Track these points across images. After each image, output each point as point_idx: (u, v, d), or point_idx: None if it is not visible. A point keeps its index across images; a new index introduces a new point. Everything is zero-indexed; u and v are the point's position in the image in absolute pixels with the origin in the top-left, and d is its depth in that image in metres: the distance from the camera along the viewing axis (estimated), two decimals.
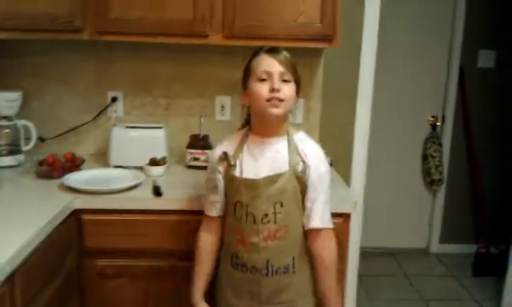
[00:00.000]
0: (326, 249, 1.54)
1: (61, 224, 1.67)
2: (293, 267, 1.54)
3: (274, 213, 1.49)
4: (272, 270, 1.52)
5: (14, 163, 2.19)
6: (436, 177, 3.75)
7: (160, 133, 2.24)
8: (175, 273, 1.86)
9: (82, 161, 2.18)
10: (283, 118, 1.52)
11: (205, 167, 2.17)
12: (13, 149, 2.23)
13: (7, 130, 2.22)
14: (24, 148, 2.25)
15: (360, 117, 2.53)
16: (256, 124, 1.56)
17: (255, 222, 1.50)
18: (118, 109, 2.45)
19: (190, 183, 2.00)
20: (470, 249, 3.81)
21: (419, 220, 3.98)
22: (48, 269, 1.59)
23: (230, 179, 1.56)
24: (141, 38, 2.06)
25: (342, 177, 2.23)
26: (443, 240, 3.96)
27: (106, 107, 2.44)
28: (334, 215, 1.79)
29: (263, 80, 1.46)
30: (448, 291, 3.39)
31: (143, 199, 1.84)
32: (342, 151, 2.51)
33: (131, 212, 1.83)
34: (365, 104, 2.51)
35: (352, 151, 2.52)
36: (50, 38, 2.08)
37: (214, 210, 1.62)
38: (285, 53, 1.49)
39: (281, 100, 1.45)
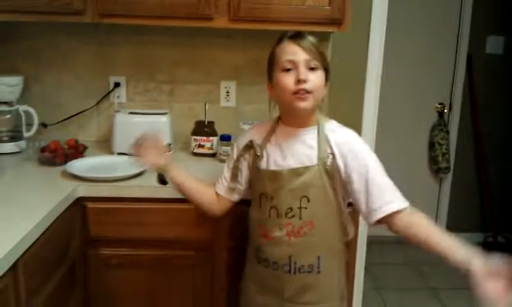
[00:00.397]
0: (419, 217, 1.35)
1: (64, 212, 1.63)
2: (318, 267, 1.45)
3: (300, 208, 1.41)
4: (295, 268, 1.45)
5: (15, 149, 2.15)
6: (443, 165, 3.71)
7: (164, 120, 2.20)
8: (180, 262, 1.83)
9: (85, 148, 2.14)
10: (313, 109, 1.42)
11: (210, 155, 2.18)
12: (15, 136, 2.19)
13: (8, 116, 2.17)
14: (26, 134, 2.21)
15: (367, 104, 2.48)
16: (284, 115, 1.49)
17: (278, 215, 1.43)
18: (121, 94, 2.40)
19: (195, 171, 1.94)
20: (477, 238, 3.76)
21: (425, 209, 3.74)
22: (51, 259, 1.56)
23: (255, 170, 1.51)
24: (144, 20, 2.00)
25: None
26: (449, 228, 3.77)
27: (109, 93, 2.39)
28: None
29: (288, 70, 1.36)
30: (455, 280, 3.33)
31: (148, 188, 1.80)
32: None
33: (136, 200, 1.79)
34: (373, 91, 2.46)
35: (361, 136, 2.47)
36: (49, 21, 2.02)
37: (222, 189, 1.58)
38: (310, 38, 1.37)
39: (308, 92, 1.35)
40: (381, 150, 3.10)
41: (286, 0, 1.98)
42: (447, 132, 3.73)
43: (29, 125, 2.21)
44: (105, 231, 1.79)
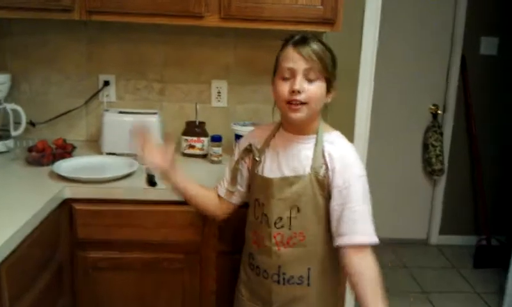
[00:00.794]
0: (369, 268, 1.32)
1: (50, 214, 1.60)
2: (308, 279, 1.42)
3: (290, 218, 1.37)
4: (284, 279, 1.42)
5: (3, 149, 2.11)
6: (437, 167, 3.69)
7: (154, 119, 2.15)
8: (169, 265, 1.80)
9: (74, 148, 2.09)
10: (312, 118, 1.37)
11: (201, 155, 2.15)
12: (2, 135, 2.14)
13: None
14: (14, 133, 2.16)
15: (360, 105, 2.44)
16: (283, 121, 1.46)
17: (268, 224, 1.40)
18: (111, 93, 2.36)
19: (185, 172, 1.91)
20: (470, 240, 3.77)
21: (419, 211, 3.93)
22: (37, 262, 1.53)
23: (252, 174, 1.48)
24: (134, 18, 1.96)
25: None
26: (443, 231, 3.90)
27: (98, 91, 2.35)
28: None
29: (286, 78, 1.33)
30: (449, 283, 3.34)
31: (137, 189, 1.76)
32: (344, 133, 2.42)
33: (124, 202, 1.75)
34: (365, 92, 2.42)
35: (353, 140, 2.44)
36: (37, 18, 1.98)
37: (223, 191, 1.56)
38: (313, 45, 1.31)
39: (302, 103, 1.31)
40: (375, 152, 3.08)
41: None
42: (441, 134, 3.71)
43: (17, 124, 2.16)
44: (92, 233, 1.76)
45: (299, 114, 1.33)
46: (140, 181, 1.80)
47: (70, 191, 1.72)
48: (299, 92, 1.30)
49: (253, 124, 2.11)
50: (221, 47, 2.32)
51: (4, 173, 1.89)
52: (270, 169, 1.43)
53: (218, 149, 2.09)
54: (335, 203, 1.35)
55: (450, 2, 3.60)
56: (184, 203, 1.72)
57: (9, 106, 2.13)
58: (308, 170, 1.36)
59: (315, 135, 1.39)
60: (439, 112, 3.73)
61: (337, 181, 1.34)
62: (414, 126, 3.78)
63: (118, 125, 2.12)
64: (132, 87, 2.37)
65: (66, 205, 1.73)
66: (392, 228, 3.80)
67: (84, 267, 1.79)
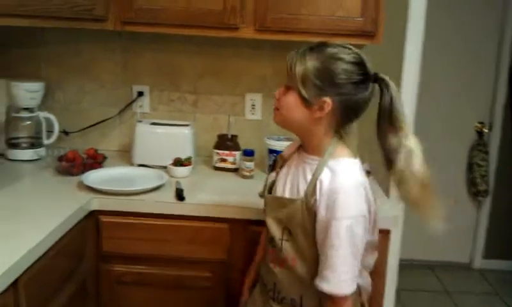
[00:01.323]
0: None
1: (76, 225, 1.57)
2: (300, 305, 1.34)
3: (281, 240, 1.30)
4: (279, 297, 1.37)
5: (34, 157, 2.11)
6: (482, 188, 3.52)
7: (186, 131, 2.12)
8: (195, 284, 1.75)
9: (104, 158, 2.07)
10: (308, 134, 1.29)
11: (232, 170, 2.09)
12: (34, 143, 2.15)
13: (28, 122, 2.13)
14: (46, 142, 2.16)
15: None
16: None
17: (268, 240, 1.39)
18: (144, 104, 2.34)
19: (215, 187, 1.88)
20: None
21: (462, 233, 3.73)
22: (59, 275, 1.49)
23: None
24: (167, 29, 1.93)
25: (381, 186, 2.05)
26: (487, 255, 3.71)
27: (132, 102, 2.33)
28: None
29: None
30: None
31: (165, 203, 1.72)
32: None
33: (152, 215, 1.71)
34: (407, 107, 2.30)
35: None
36: (71, 27, 1.97)
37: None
38: (298, 57, 1.23)
39: (277, 109, 1.30)
40: None
41: (315, 10, 1.88)
42: (487, 153, 3.54)
43: (50, 132, 2.17)
44: (118, 246, 1.72)
45: (276, 119, 1.32)
46: (169, 195, 1.76)
47: (97, 203, 1.70)
48: (275, 97, 1.30)
49: (287, 139, 2.04)
50: (257, 58, 2.27)
51: (33, 181, 1.90)
52: (276, 185, 1.40)
53: (250, 164, 2.02)
54: (317, 236, 1.24)
55: (497, 13, 3.43)
56: (212, 219, 1.70)
57: (42, 114, 2.14)
58: (302, 194, 1.28)
59: (320, 158, 1.28)
60: (485, 130, 3.55)
61: (321, 214, 1.22)
62: (458, 145, 3.61)
63: (150, 136, 2.10)
64: (166, 98, 2.34)
65: (93, 217, 1.70)
66: (433, 250, 3.63)
67: (108, 281, 1.75)
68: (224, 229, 1.70)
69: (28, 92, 2.08)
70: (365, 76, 1.23)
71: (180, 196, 1.73)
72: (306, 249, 1.28)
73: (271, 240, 1.35)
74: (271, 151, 2.05)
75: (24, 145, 2.12)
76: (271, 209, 1.35)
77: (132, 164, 2.10)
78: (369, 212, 1.25)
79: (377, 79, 1.25)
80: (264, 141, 2.11)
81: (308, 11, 1.88)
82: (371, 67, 1.25)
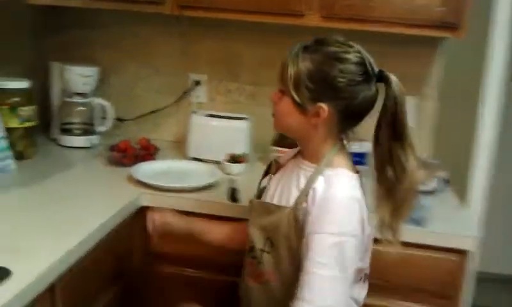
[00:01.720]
0: None
1: (123, 222, 1.48)
2: None
3: (262, 251, 1.18)
4: None
5: (87, 144, 2.05)
6: None
7: (243, 125, 2.01)
8: None
9: (157, 149, 1.99)
10: (305, 138, 1.17)
11: None
12: (88, 129, 2.08)
13: (81, 108, 2.07)
14: (99, 129, 2.10)
15: (481, 130, 2.13)
16: None
17: (247, 249, 1.26)
18: (201, 93, 2.24)
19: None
20: None
21: None
22: (102, 275, 1.41)
23: None
24: (228, 14, 1.83)
25: (457, 194, 1.86)
26: None
27: (188, 91, 2.23)
28: (446, 250, 1.45)
29: None
30: None
31: (217, 204, 1.61)
32: (460, 164, 2.13)
33: (202, 215, 1.59)
34: (490, 108, 2.11)
35: (470, 172, 2.13)
36: (127, 9, 1.89)
37: None
38: (292, 57, 1.15)
39: (273, 114, 1.19)
40: (501, 185, 2.62)
41: None
42: None
43: (104, 119, 2.10)
44: (169, 247, 1.60)
45: (274, 125, 1.22)
46: (220, 195, 1.65)
47: (147, 198, 1.61)
48: (272, 101, 1.19)
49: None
50: None
51: (83, 170, 1.84)
52: (269, 191, 1.27)
53: None
54: (302, 250, 1.09)
55: None
56: None
57: (96, 100, 2.08)
58: (291, 202, 1.14)
59: (316, 166, 1.15)
60: None
61: (309, 226, 1.08)
62: None
63: (205, 129, 2.01)
64: (224, 89, 2.23)
65: (142, 213, 1.59)
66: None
67: (157, 283, 1.66)
68: None
69: (81, 77, 2.02)
70: (367, 75, 1.09)
71: (233, 196, 1.62)
72: (286, 265, 1.15)
73: (251, 249, 1.23)
74: None
75: (77, 132, 2.06)
76: (256, 215, 1.24)
77: (185, 157, 2.01)
78: (362, 233, 1.09)
79: (382, 78, 1.10)
80: None
81: None
82: (374, 65, 1.11)
